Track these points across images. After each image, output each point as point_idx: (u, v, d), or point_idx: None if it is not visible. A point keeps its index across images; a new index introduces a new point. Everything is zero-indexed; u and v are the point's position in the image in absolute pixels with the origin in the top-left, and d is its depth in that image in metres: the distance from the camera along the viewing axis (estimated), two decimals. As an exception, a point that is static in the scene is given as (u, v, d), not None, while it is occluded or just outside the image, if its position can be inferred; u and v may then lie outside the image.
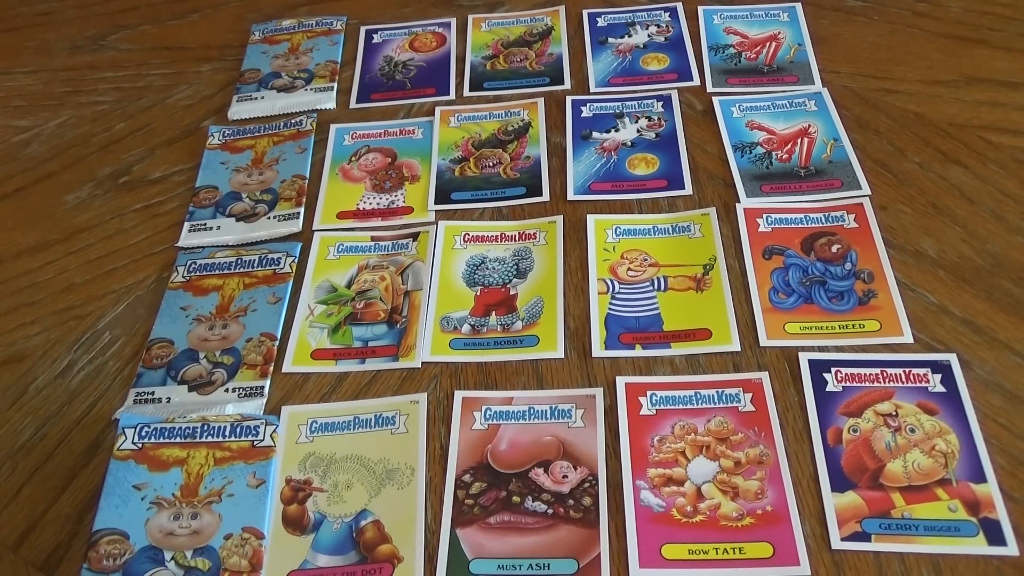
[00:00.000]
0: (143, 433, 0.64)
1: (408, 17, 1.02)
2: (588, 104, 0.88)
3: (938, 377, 0.64)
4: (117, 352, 0.72)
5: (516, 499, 0.61)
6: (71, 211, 0.84)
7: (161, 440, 0.64)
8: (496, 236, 0.78)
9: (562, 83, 0.92)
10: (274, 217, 0.81)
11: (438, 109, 0.90)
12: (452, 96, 0.92)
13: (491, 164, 0.84)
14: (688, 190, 0.79)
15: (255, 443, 0.64)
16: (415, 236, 0.78)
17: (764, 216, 0.76)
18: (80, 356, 0.72)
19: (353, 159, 0.86)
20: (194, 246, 0.79)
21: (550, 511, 0.60)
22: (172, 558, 0.58)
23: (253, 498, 0.61)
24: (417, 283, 0.75)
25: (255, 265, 0.76)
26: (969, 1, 0.94)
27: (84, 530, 0.61)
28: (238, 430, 0.65)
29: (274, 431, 0.65)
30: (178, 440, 0.64)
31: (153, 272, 0.78)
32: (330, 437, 0.65)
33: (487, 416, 0.65)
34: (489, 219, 0.80)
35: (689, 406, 0.64)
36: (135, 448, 0.64)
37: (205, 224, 0.81)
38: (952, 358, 0.65)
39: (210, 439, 0.64)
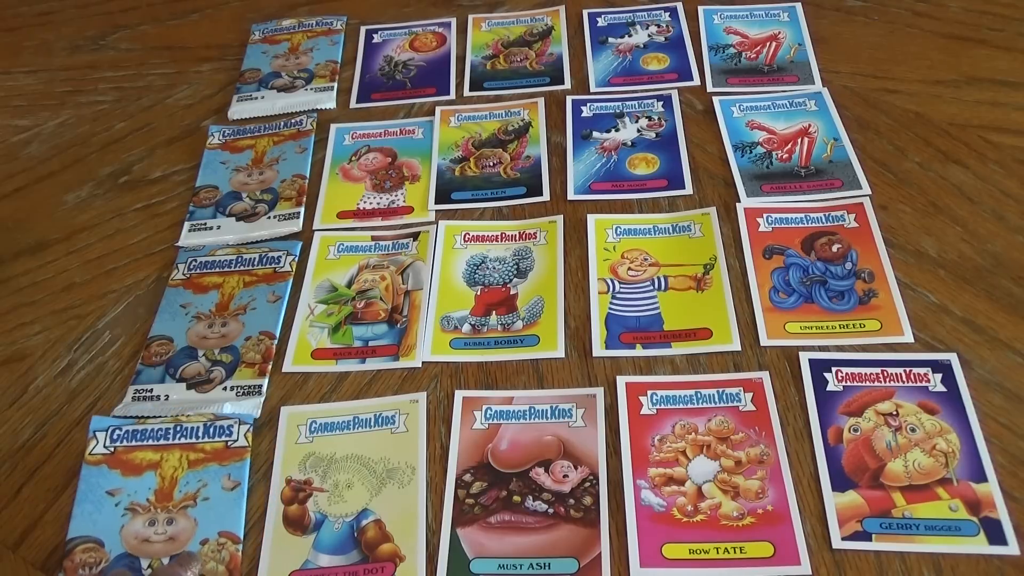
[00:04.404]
0: (115, 436, 0.63)
1: (408, 17, 1.02)
2: (588, 104, 0.88)
3: (939, 376, 0.64)
4: (117, 351, 0.72)
5: (517, 499, 0.61)
6: (71, 211, 0.84)
7: (133, 443, 0.63)
8: (496, 236, 0.78)
9: (562, 83, 0.92)
10: (274, 217, 0.80)
11: (438, 109, 0.90)
12: (452, 96, 0.92)
13: (491, 164, 0.84)
14: (688, 190, 0.79)
15: (229, 444, 0.63)
16: (415, 236, 0.78)
17: (764, 216, 0.76)
18: (80, 356, 0.72)
19: (353, 159, 0.86)
20: (194, 245, 0.79)
21: (551, 511, 0.60)
22: (149, 566, 0.57)
23: (228, 501, 0.61)
24: (417, 283, 0.75)
25: (255, 263, 0.76)
26: (969, 1, 0.94)
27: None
28: (211, 430, 0.64)
29: (248, 430, 0.64)
30: (151, 443, 0.63)
31: (153, 272, 0.78)
32: (330, 437, 0.65)
33: (487, 416, 0.65)
34: (489, 219, 0.80)
35: (690, 405, 0.64)
36: (107, 452, 0.62)
37: (205, 224, 0.80)
38: (952, 357, 0.65)
39: (183, 440, 0.63)
